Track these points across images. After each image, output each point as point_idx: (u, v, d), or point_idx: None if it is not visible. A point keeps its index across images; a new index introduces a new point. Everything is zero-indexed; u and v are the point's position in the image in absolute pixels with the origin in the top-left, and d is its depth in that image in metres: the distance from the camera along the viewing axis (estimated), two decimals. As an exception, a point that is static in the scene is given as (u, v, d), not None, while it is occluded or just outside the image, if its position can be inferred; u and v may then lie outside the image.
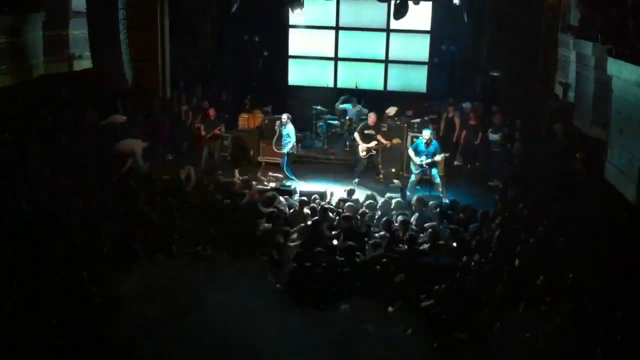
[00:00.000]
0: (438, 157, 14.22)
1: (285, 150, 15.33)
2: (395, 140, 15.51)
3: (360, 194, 13.41)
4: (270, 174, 15.14)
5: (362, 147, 15.25)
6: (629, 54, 10.25)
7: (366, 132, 15.33)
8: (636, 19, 10.61)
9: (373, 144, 15.19)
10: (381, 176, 15.50)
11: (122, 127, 14.97)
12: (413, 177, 14.51)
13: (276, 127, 15.71)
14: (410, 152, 14.59)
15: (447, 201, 13.13)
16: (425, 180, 14.39)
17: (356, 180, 15.07)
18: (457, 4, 17.56)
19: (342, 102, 17.97)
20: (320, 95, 19.03)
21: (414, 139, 15.58)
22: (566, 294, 7.66)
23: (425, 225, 11.01)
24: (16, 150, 12.63)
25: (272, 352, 6.51)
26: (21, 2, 13.76)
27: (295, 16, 18.33)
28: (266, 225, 10.52)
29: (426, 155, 14.13)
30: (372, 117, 15.55)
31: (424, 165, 14.18)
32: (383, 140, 15.27)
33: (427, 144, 14.28)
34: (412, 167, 14.58)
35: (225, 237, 9.74)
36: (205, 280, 7.90)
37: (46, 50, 14.65)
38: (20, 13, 13.71)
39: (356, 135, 15.50)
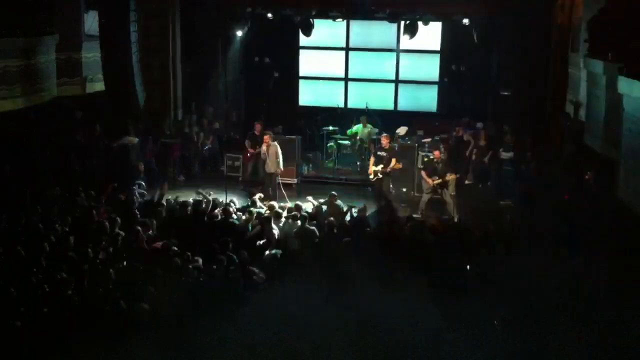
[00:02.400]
0: (448, 177, 14.14)
1: (276, 170, 14.90)
2: (397, 165, 14.80)
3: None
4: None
5: (370, 170, 14.98)
6: (639, 72, 10.24)
7: (379, 153, 14.95)
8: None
9: (379, 167, 14.68)
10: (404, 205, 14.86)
11: (134, 148, 15.06)
12: (423, 197, 14.45)
13: (263, 151, 15.00)
14: (422, 171, 14.54)
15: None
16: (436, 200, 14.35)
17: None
18: (467, 24, 17.68)
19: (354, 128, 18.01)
20: (331, 115, 19.09)
21: (425, 159, 15.57)
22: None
23: None
24: (28, 172, 12.75)
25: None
26: (35, 25, 13.93)
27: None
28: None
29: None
30: (384, 140, 15.04)
31: (435, 185, 14.14)
32: (392, 164, 14.65)
33: (437, 162, 14.23)
34: (424, 187, 14.52)
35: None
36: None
37: (59, 73, 14.80)
38: (33, 36, 13.87)
39: (371, 159, 15.22)
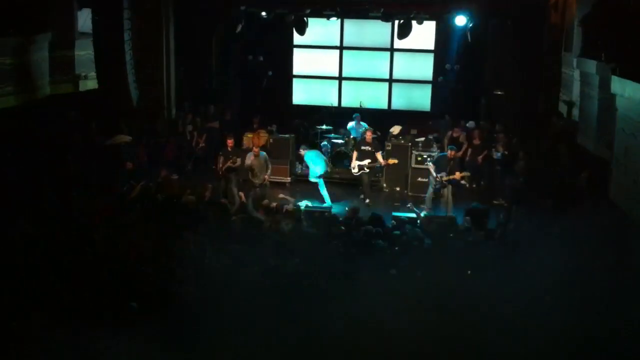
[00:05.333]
0: (457, 175, 14.08)
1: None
2: (392, 160, 15.16)
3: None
4: (281, 195, 14.82)
5: (353, 164, 15.22)
6: (632, 72, 10.26)
7: (362, 148, 15.19)
8: (639, 37, 10.64)
9: (366, 162, 14.99)
10: (368, 201, 14.95)
11: (127, 147, 15.02)
12: (429, 193, 14.44)
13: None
14: (430, 166, 14.49)
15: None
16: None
17: (367, 200, 15.00)
18: (461, 24, 17.70)
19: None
20: (325, 114, 19.09)
21: (418, 158, 15.61)
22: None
23: None
24: (21, 169, 12.69)
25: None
26: (27, 23, 13.86)
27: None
28: None
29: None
30: (367, 134, 15.42)
31: (443, 182, 14.08)
32: (380, 159, 15.06)
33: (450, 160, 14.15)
34: (431, 181, 14.49)
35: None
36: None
37: (52, 71, 14.73)
38: (26, 34, 13.81)
39: (354, 152, 15.43)
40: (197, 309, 7.55)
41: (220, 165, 14.71)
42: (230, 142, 14.97)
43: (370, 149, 15.12)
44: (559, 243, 9.57)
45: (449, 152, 14.55)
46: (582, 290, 8.10)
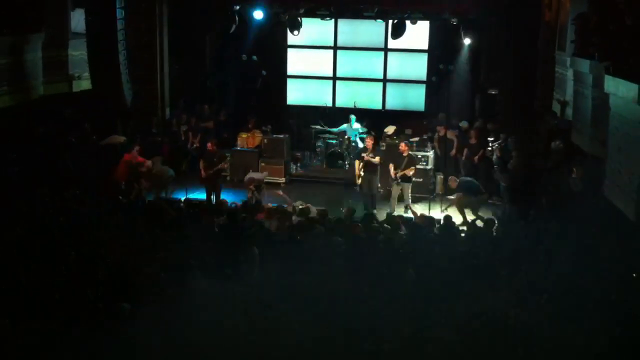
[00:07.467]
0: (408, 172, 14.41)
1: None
2: (374, 159, 14.84)
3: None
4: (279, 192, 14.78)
5: (356, 177, 15.00)
6: (626, 71, 10.28)
7: (363, 155, 14.98)
8: (633, 36, 10.66)
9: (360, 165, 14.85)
10: (375, 211, 14.30)
11: (122, 147, 15.01)
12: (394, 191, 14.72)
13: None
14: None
15: None
16: None
17: (375, 210, 14.41)
18: (455, 23, 17.73)
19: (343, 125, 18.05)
20: (319, 114, 19.09)
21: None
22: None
23: None
24: (16, 169, 12.69)
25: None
26: (21, 22, 13.83)
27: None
28: None
29: None
30: (368, 141, 15.15)
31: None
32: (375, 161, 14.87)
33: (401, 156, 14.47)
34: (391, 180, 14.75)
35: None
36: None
37: (46, 71, 14.70)
38: (20, 34, 13.78)
39: (356, 162, 15.26)
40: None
41: (202, 169, 14.56)
42: (210, 145, 14.95)
43: (372, 156, 14.85)
44: (554, 241, 9.62)
45: (400, 145, 14.59)
46: (582, 286, 8.14)
